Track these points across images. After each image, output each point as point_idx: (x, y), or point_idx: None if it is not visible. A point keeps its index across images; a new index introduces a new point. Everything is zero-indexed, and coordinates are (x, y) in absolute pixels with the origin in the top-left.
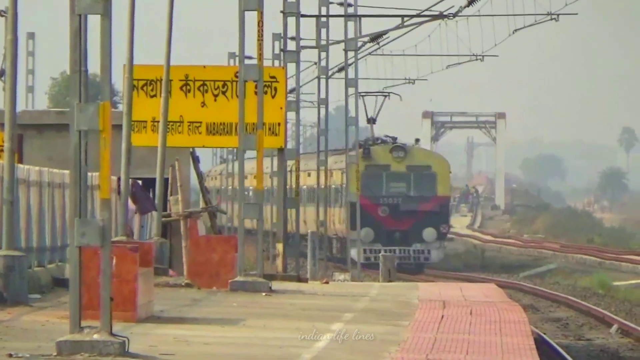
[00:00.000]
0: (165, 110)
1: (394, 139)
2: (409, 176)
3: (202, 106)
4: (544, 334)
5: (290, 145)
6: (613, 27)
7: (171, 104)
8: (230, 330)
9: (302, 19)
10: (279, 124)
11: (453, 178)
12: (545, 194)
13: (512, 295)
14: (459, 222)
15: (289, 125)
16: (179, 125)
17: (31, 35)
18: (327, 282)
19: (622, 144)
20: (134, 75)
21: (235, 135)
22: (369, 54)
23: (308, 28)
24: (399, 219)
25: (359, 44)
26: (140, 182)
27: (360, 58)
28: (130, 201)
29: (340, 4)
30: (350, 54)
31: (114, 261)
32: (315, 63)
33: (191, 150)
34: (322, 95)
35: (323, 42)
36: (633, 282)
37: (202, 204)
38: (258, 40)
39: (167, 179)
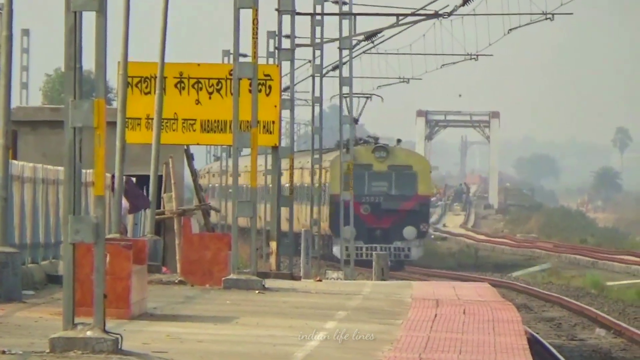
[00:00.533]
0: (160, 107)
1: (376, 139)
2: (391, 175)
3: (197, 104)
4: (537, 333)
5: (284, 143)
6: (608, 27)
7: (165, 101)
8: (223, 328)
9: (297, 17)
10: (273, 122)
11: (447, 177)
12: (539, 194)
13: (506, 294)
14: (452, 221)
15: (283, 123)
16: (173, 123)
17: (26, 32)
18: (320, 280)
19: (616, 144)
20: (129, 72)
21: (229, 133)
22: (364, 52)
23: (303, 26)
24: (381, 217)
25: (354, 42)
26: (134, 179)
27: (354, 57)
28: (124, 198)
29: (335, 2)
30: (345, 52)
31: (108, 258)
32: (310, 61)
33: (185, 147)
34: (317, 94)
35: (318, 41)
36: (626, 282)
37: (195, 202)
38: (253, 38)
39: (161, 176)
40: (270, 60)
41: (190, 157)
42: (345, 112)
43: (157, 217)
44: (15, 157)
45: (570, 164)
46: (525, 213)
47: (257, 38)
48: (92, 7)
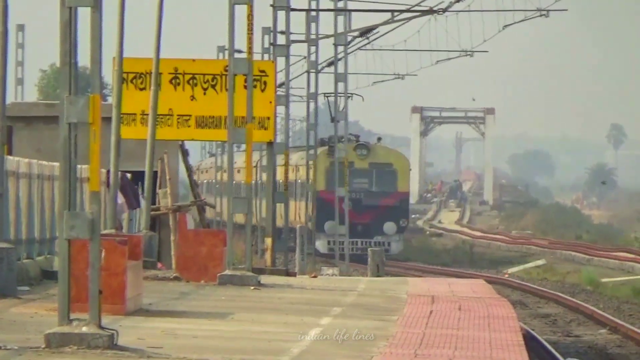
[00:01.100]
0: (155, 103)
1: (357, 137)
2: (371, 172)
3: (192, 99)
4: (533, 329)
5: (279, 139)
6: (603, 23)
7: (160, 97)
8: (218, 324)
9: (292, 13)
10: (268, 118)
11: (442, 173)
12: (533, 190)
13: (501, 291)
14: (448, 218)
15: (278, 119)
16: (168, 119)
17: (21, 27)
18: (315, 277)
19: (611, 140)
20: (124, 68)
21: (224, 128)
22: (359, 48)
23: (298, 22)
24: (361, 212)
25: (349, 38)
26: (129, 175)
27: (349, 53)
28: (120, 194)
29: None
30: (340, 48)
31: (103, 254)
32: (305, 57)
33: (180, 143)
34: (312, 90)
35: (313, 37)
36: (621, 279)
37: (191, 198)
38: (248, 33)
39: (156, 172)
40: (266, 56)
41: (185, 153)
42: (341, 108)
43: (152, 213)
44: (10, 153)
45: (564, 160)
46: (520, 209)
47: (252, 34)
48: (87, 2)
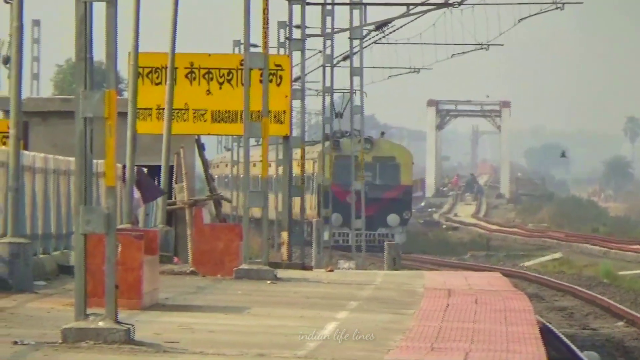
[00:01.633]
0: (170, 97)
1: (359, 132)
2: (375, 166)
3: (207, 94)
4: (549, 323)
5: (295, 133)
6: (618, 16)
7: (176, 91)
8: (234, 318)
9: (307, 7)
10: (284, 112)
11: (458, 167)
12: (550, 183)
13: (517, 284)
14: (464, 211)
15: (294, 113)
16: (184, 113)
17: (36, 23)
18: (331, 270)
19: (627, 133)
20: (139, 62)
21: (240, 123)
22: (374, 42)
23: (313, 16)
24: (365, 205)
25: (364, 32)
26: (145, 169)
27: (365, 46)
28: (135, 189)
29: None
30: (356, 42)
31: (119, 249)
32: (321, 51)
33: (196, 137)
34: (327, 84)
35: (328, 31)
36: (638, 271)
37: (207, 192)
38: (263, 28)
39: (172, 166)
40: (281, 51)
41: (201, 147)
42: (357, 103)
43: (168, 207)
44: (26, 148)
45: (580, 153)
46: (536, 203)
47: (267, 28)
48: None
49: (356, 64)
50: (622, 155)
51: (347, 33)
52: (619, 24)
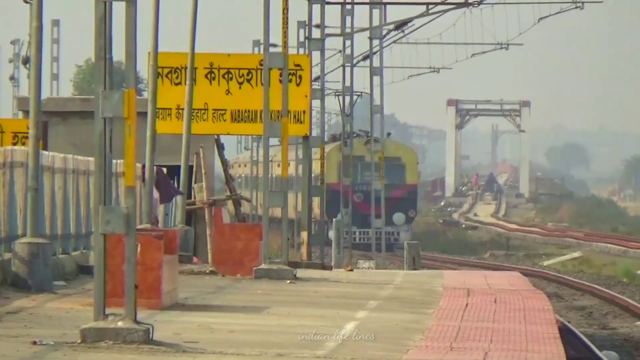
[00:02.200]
0: (190, 97)
1: (367, 133)
2: (381, 166)
3: (227, 94)
4: (568, 322)
5: (315, 133)
6: (639, 15)
7: (196, 91)
8: (254, 318)
9: (327, 7)
10: (303, 112)
11: (478, 166)
12: (569, 182)
13: (536, 283)
14: (483, 210)
15: (314, 113)
16: (204, 113)
17: (56, 23)
18: (351, 270)
19: None
20: (159, 62)
21: (259, 122)
22: (394, 42)
23: (333, 16)
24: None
25: (384, 31)
26: (164, 169)
27: (385, 46)
28: (154, 189)
29: None
30: (375, 42)
31: (139, 249)
32: (340, 51)
33: (216, 137)
34: (347, 84)
35: (348, 30)
36: None
37: (227, 192)
38: (283, 27)
39: (192, 166)
40: (301, 50)
41: (220, 147)
42: (377, 102)
43: (188, 207)
44: (45, 148)
45: (600, 152)
46: (556, 202)
47: (287, 28)
48: None
49: (376, 63)
50: None
51: (367, 33)
52: (639, 23)
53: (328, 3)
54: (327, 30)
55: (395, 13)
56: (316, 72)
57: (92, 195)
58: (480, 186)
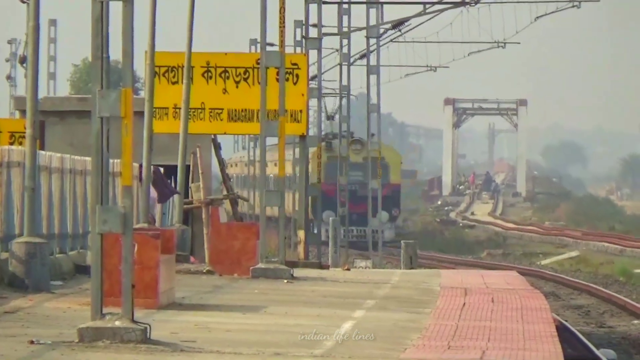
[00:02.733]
0: (187, 97)
1: (352, 133)
2: (366, 166)
3: (224, 93)
4: (566, 321)
5: (311, 132)
6: (635, 14)
7: (193, 90)
8: (251, 317)
9: (323, 6)
10: (300, 111)
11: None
12: (566, 181)
13: (534, 282)
14: (480, 209)
15: (311, 112)
16: (201, 112)
17: (53, 22)
18: (348, 269)
19: None
20: (156, 61)
21: (256, 122)
22: (391, 41)
23: (330, 15)
24: (357, 203)
25: (381, 31)
26: (161, 169)
27: (382, 45)
28: (152, 188)
29: None
30: (372, 41)
31: (136, 248)
32: (337, 50)
33: (212, 136)
34: (344, 83)
35: (345, 29)
36: None
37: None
38: (280, 26)
39: (189, 165)
40: (298, 49)
41: (217, 147)
42: (374, 101)
43: (185, 206)
44: (42, 148)
45: (597, 151)
46: (553, 201)
47: (284, 27)
48: None
49: (373, 62)
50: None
51: (364, 32)
52: (636, 22)
53: (325, 2)
54: (324, 30)
55: (392, 12)
56: (313, 71)
57: (89, 195)
58: (478, 185)
